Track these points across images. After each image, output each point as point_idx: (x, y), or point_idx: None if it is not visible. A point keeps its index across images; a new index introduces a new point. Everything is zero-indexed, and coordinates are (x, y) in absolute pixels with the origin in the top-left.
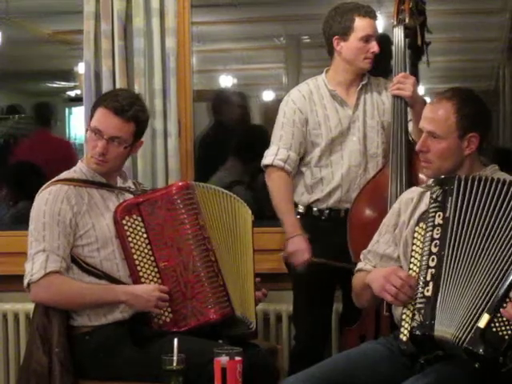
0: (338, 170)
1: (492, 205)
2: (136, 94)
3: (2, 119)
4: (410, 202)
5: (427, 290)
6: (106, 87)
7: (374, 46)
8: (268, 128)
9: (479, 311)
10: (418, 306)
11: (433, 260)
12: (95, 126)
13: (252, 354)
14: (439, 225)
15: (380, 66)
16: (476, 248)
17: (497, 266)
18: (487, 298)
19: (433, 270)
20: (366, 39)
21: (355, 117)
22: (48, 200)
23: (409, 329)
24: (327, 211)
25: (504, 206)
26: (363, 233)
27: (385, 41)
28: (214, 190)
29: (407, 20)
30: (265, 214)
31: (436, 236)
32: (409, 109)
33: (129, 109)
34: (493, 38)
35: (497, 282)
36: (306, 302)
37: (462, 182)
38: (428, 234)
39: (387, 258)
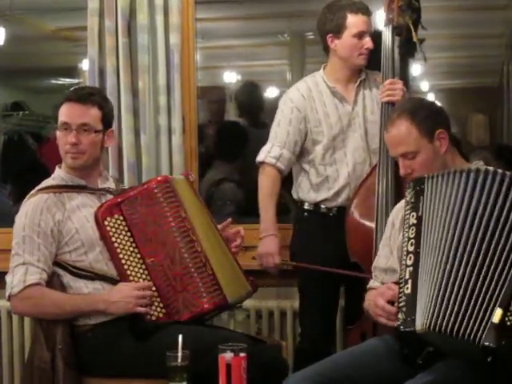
0: (342, 168)
1: (458, 196)
2: (97, 87)
3: (6, 116)
4: (400, 211)
5: (407, 288)
6: (110, 84)
7: (367, 42)
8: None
9: (452, 296)
10: (401, 304)
11: (410, 258)
12: (61, 121)
13: (260, 350)
14: (413, 224)
15: (376, 61)
16: (447, 240)
17: (470, 254)
18: (463, 288)
19: (411, 268)
20: (360, 36)
21: (355, 113)
22: (28, 212)
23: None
24: (336, 209)
25: (466, 195)
26: (359, 234)
27: (379, 36)
28: (178, 178)
29: (396, 19)
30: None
31: (411, 235)
32: None
33: (89, 96)
34: (497, 34)
35: (475, 271)
36: (311, 300)
37: (432, 180)
38: (405, 235)
39: (391, 271)
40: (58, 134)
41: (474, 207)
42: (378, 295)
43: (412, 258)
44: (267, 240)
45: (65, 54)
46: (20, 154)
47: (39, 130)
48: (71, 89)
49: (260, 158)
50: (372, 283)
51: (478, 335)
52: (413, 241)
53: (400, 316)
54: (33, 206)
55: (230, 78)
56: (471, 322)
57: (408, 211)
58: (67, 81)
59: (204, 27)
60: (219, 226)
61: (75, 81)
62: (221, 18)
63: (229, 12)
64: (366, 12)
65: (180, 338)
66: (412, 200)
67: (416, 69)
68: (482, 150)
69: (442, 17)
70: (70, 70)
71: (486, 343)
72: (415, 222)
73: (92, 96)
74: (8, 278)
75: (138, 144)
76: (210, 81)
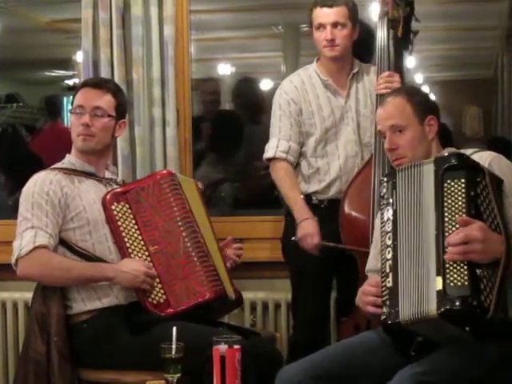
0: (334, 160)
1: (420, 187)
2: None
3: (0, 108)
4: None
5: (388, 282)
6: (104, 76)
7: (326, 34)
8: (264, 116)
9: (413, 284)
10: (384, 298)
11: (389, 252)
12: (76, 104)
13: (254, 342)
14: (389, 219)
15: (367, 54)
16: (420, 231)
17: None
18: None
19: (390, 262)
20: (320, 28)
21: (347, 107)
22: (37, 182)
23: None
24: (327, 201)
25: (423, 185)
26: (353, 226)
27: (366, 28)
28: (182, 176)
29: (390, 12)
30: (254, 204)
31: (388, 229)
32: None
33: (106, 83)
34: (492, 26)
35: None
36: (304, 292)
37: (402, 173)
38: (383, 229)
39: None
40: (72, 117)
41: (432, 195)
42: (366, 284)
43: (390, 251)
44: (305, 223)
45: (59, 45)
46: (14, 146)
47: (33, 122)
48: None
49: (269, 154)
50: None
51: (432, 308)
52: (390, 234)
53: (384, 310)
54: (42, 176)
55: (225, 70)
56: (424, 301)
57: (384, 205)
58: (61, 73)
59: (198, 19)
60: (220, 244)
61: (69, 73)
62: (215, 10)
63: (223, 4)
64: (330, 5)
65: (174, 329)
66: (386, 195)
67: (410, 61)
68: (475, 141)
69: (436, 9)
70: (64, 62)
71: (442, 309)
72: (390, 216)
73: (107, 83)
74: (16, 243)
75: (132, 136)
76: (204, 73)
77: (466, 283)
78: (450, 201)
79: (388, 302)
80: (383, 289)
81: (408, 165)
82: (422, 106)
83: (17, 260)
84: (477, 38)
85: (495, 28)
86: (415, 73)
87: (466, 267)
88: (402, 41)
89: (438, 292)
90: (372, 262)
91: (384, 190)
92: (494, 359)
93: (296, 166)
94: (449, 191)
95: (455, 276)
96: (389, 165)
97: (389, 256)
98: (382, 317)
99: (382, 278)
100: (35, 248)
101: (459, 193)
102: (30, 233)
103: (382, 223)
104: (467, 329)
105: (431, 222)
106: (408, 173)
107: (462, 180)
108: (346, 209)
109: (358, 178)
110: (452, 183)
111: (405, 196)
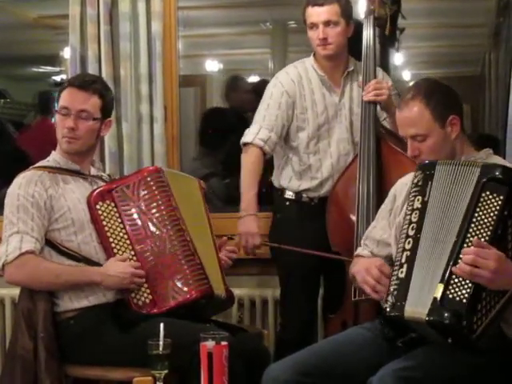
0: (326, 158)
1: (458, 187)
2: (99, 76)
3: None
4: (404, 187)
5: (401, 272)
6: (91, 72)
7: (319, 33)
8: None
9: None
10: (392, 287)
11: (409, 243)
12: (62, 105)
13: (242, 339)
14: (417, 208)
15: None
16: (443, 231)
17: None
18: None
19: (408, 253)
20: (313, 27)
21: (341, 104)
22: (21, 184)
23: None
24: (317, 198)
25: (462, 187)
26: (340, 224)
27: (360, 25)
28: (175, 173)
29: (377, 10)
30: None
31: (414, 219)
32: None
33: (92, 83)
34: (479, 23)
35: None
36: (294, 291)
37: (444, 167)
38: (407, 218)
39: (384, 244)
40: (57, 117)
41: (467, 200)
42: (373, 263)
43: (411, 242)
44: (247, 219)
45: (47, 42)
46: (1, 142)
47: (21, 119)
48: (73, 76)
49: (247, 139)
50: (361, 251)
51: (423, 312)
52: (414, 225)
53: (389, 299)
54: (27, 178)
55: (212, 66)
56: (422, 303)
57: (414, 194)
58: (49, 69)
59: (186, 15)
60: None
61: (57, 69)
62: (203, 7)
63: (211, 0)
64: (320, 3)
65: (161, 326)
66: (420, 183)
67: (397, 58)
68: None
69: (423, 6)
70: (52, 58)
71: (431, 317)
72: (420, 206)
73: (94, 84)
74: (2, 248)
75: (119, 133)
76: (192, 69)
77: (465, 300)
78: (481, 212)
79: (395, 293)
80: (393, 277)
81: (452, 161)
82: (441, 108)
83: (3, 266)
84: (464, 35)
85: (483, 25)
86: (403, 70)
87: (470, 284)
88: (389, 38)
89: (435, 299)
90: (377, 232)
91: (419, 178)
92: (480, 364)
93: (287, 160)
94: (484, 203)
95: (457, 289)
96: (374, 164)
97: (408, 247)
98: (384, 305)
99: (395, 266)
100: (21, 254)
101: (493, 208)
102: (15, 238)
103: (407, 210)
104: (449, 340)
105: (456, 226)
106: (450, 169)
107: (501, 197)
108: (333, 206)
109: (345, 175)
110: (490, 196)
111: (440, 191)
